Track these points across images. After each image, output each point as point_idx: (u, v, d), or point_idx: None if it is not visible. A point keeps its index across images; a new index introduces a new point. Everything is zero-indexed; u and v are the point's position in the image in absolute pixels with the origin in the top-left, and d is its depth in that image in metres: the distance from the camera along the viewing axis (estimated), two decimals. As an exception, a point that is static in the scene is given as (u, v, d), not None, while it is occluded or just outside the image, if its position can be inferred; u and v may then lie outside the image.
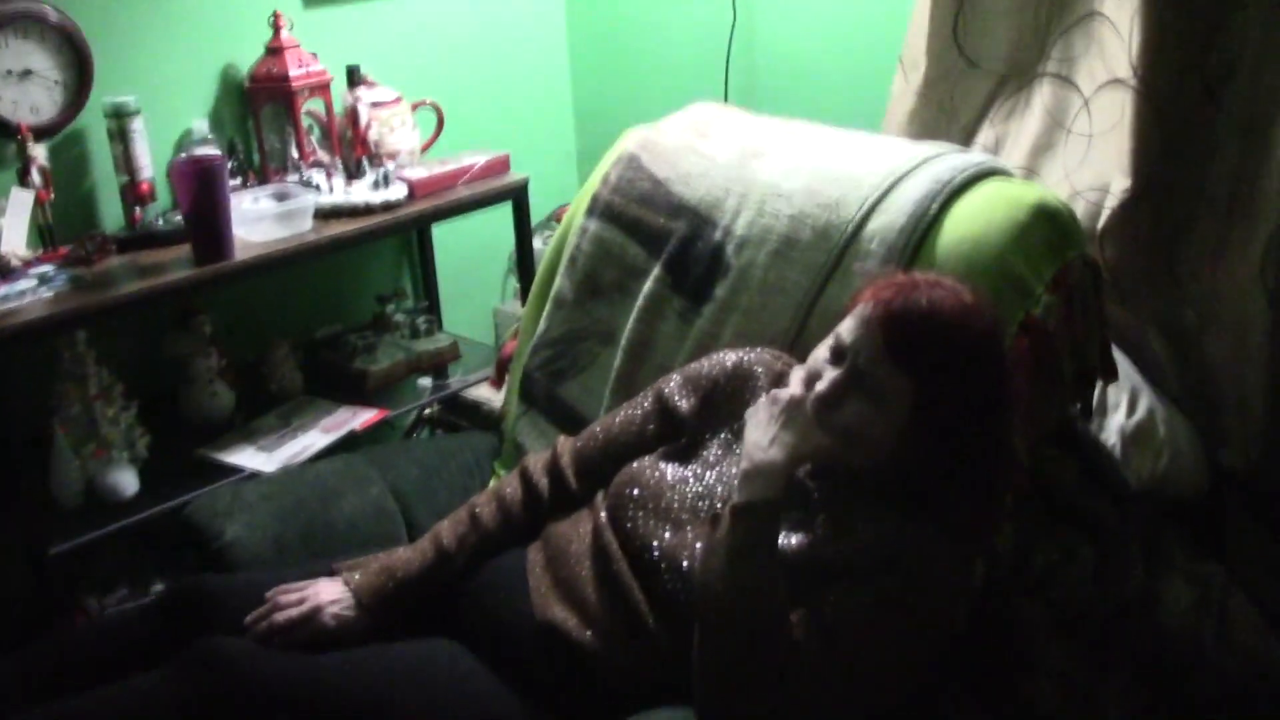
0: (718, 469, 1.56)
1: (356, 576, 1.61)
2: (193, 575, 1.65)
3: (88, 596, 2.23)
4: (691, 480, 1.56)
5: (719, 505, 1.49)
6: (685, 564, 1.45)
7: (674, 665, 1.41)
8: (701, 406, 1.64)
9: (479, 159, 2.57)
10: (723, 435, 1.61)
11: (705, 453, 1.60)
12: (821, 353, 1.47)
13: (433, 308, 2.87)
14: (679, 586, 1.45)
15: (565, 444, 1.75)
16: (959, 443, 1.42)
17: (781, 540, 1.41)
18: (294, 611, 1.54)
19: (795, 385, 1.46)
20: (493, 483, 1.96)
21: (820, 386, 1.43)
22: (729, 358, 1.67)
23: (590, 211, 2.03)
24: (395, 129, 2.53)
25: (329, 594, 1.57)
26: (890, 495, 1.46)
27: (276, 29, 2.41)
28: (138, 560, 2.33)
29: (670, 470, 1.58)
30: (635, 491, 1.56)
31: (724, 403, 1.63)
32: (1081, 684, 1.73)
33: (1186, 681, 1.85)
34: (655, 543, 1.49)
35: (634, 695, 1.43)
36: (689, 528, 1.50)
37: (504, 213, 2.65)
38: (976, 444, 1.43)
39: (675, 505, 1.53)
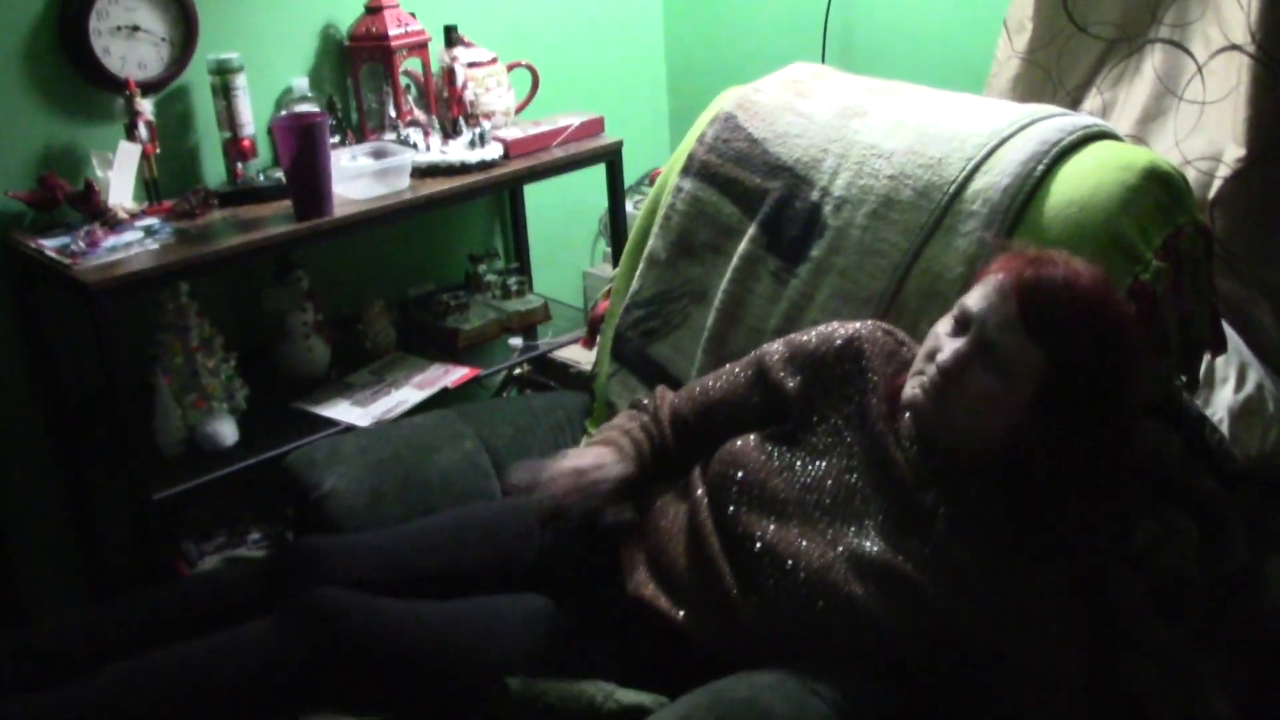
0: (827, 459, 1.51)
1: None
2: (299, 536, 1.67)
3: (185, 542, 2.29)
4: (798, 468, 1.51)
5: (826, 500, 1.47)
6: (789, 563, 1.42)
7: (770, 644, 1.41)
8: (808, 387, 1.57)
9: (574, 120, 2.57)
10: (831, 420, 1.54)
11: (813, 438, 1.53)
12: (942, 327, 1.44)
13: (523, 268, 2.89)
14: (782, 585, 1.42)
15: (664, 400, 1.72)
16: (1083, 430, 1.37)
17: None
18: (570, 469, 1.56)
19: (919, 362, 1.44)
20: (584, 441, 1.97)
21: (942, 356, 1.39)
22: (838, 335, 1.59)
23: (685, 171, 2.01)
24: (491, 89, 2.53)
25: (590, 457, 1.59)
26: (1009, 507, 1.43)
27: (376, -12, 2.42)
28: (234, 508, 2.38)
29: (776, 454, 1.53)
30: (738, 474, 1.52)
31: (833, 385, 1.56)
32: (1181, 662, 1.69)
33: (1290, 662, 1.81)
34: (758, 533, 1.46)
35: (728, 665, 1.42)
36: (794, 522, 1.46)
37: (595, 175, 2.64)
38: (1101, 432, 1.39)
39: (780, 495, 1.49)
